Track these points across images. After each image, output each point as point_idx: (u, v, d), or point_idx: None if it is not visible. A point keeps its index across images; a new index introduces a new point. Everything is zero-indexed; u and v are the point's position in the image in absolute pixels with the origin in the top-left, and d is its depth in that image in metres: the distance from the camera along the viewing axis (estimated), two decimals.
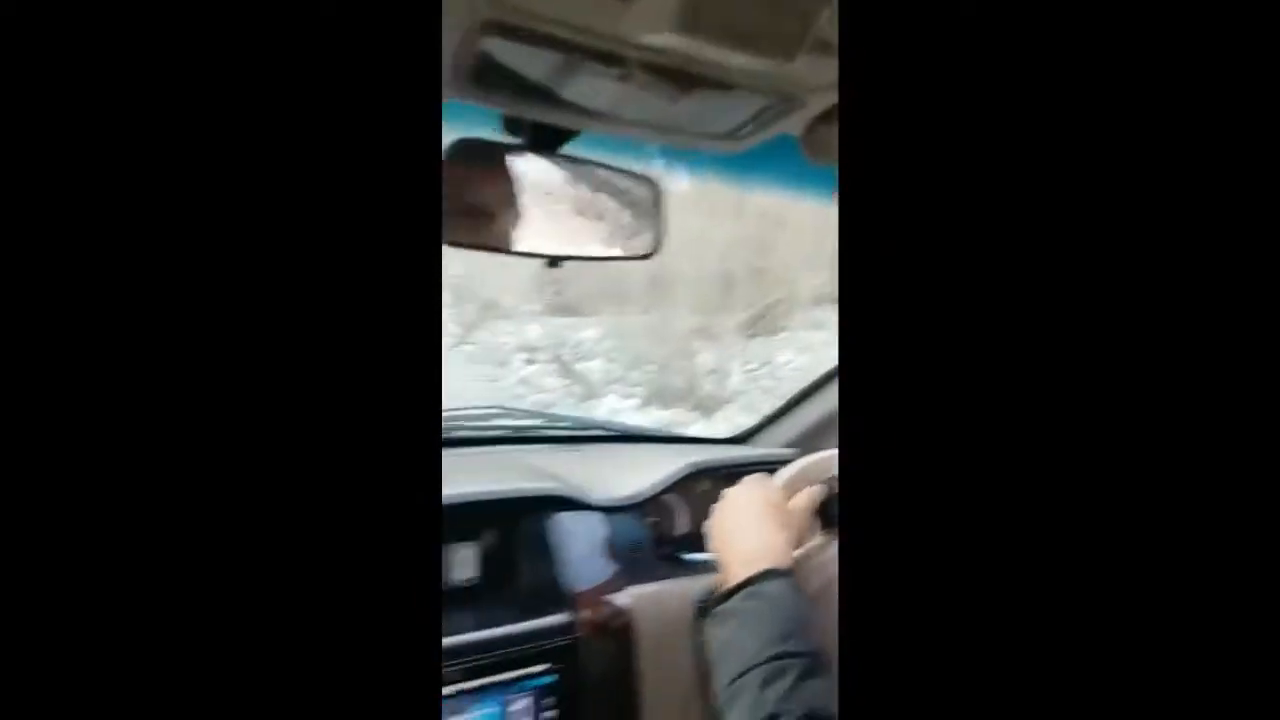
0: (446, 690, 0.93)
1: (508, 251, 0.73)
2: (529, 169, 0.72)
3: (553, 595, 1.04)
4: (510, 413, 1.64)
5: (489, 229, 0.72)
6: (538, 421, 1.63)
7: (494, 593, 1.05)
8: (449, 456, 1.22)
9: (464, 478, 1.08)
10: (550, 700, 0.99)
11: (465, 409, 1.53)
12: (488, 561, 1.07)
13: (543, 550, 1.08)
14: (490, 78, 0.61)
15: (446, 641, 0.94)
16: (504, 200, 0.71)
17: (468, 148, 0.68)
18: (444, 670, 0.93)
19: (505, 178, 0.71)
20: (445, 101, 0.60)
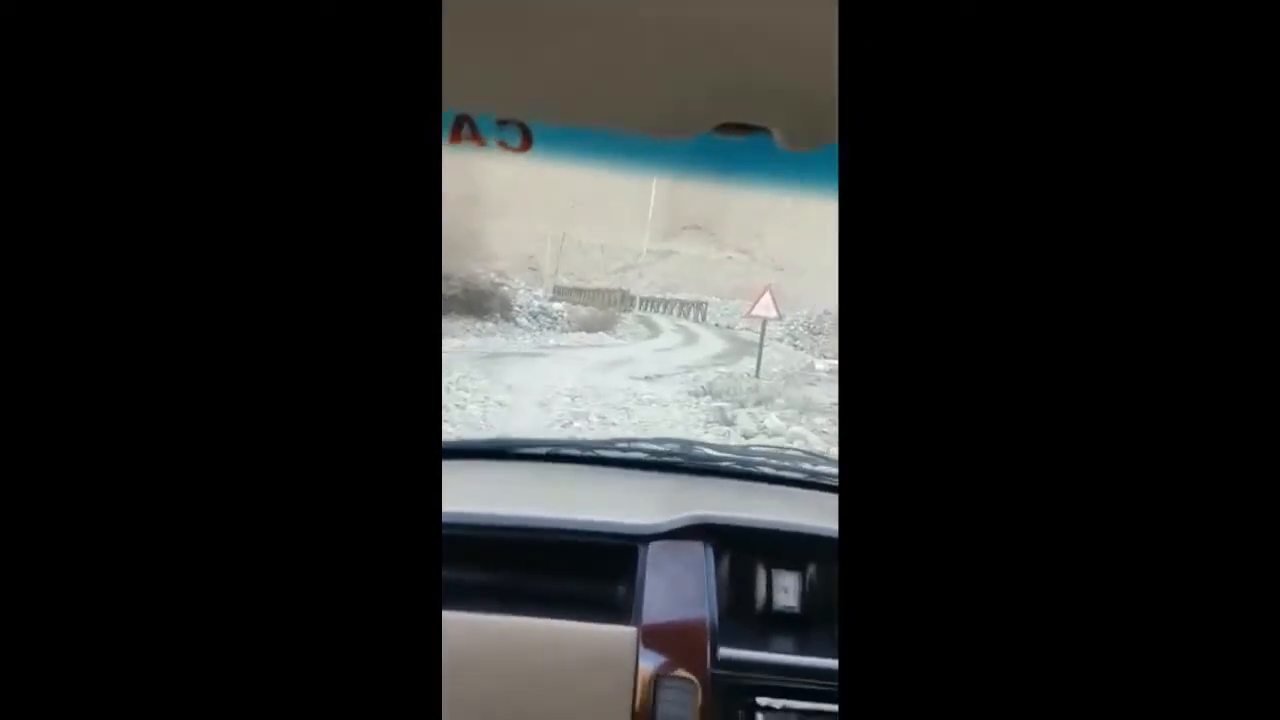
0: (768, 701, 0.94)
1: None
2: None
3: None
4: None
5: None
6: None
7: (814, 624, 1.07)
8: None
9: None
10: None
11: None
12: (809, 593, 1.10)
13: None
14: None
15: (754, 655, 0.95)
16: None
17: None
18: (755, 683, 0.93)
19: None
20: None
